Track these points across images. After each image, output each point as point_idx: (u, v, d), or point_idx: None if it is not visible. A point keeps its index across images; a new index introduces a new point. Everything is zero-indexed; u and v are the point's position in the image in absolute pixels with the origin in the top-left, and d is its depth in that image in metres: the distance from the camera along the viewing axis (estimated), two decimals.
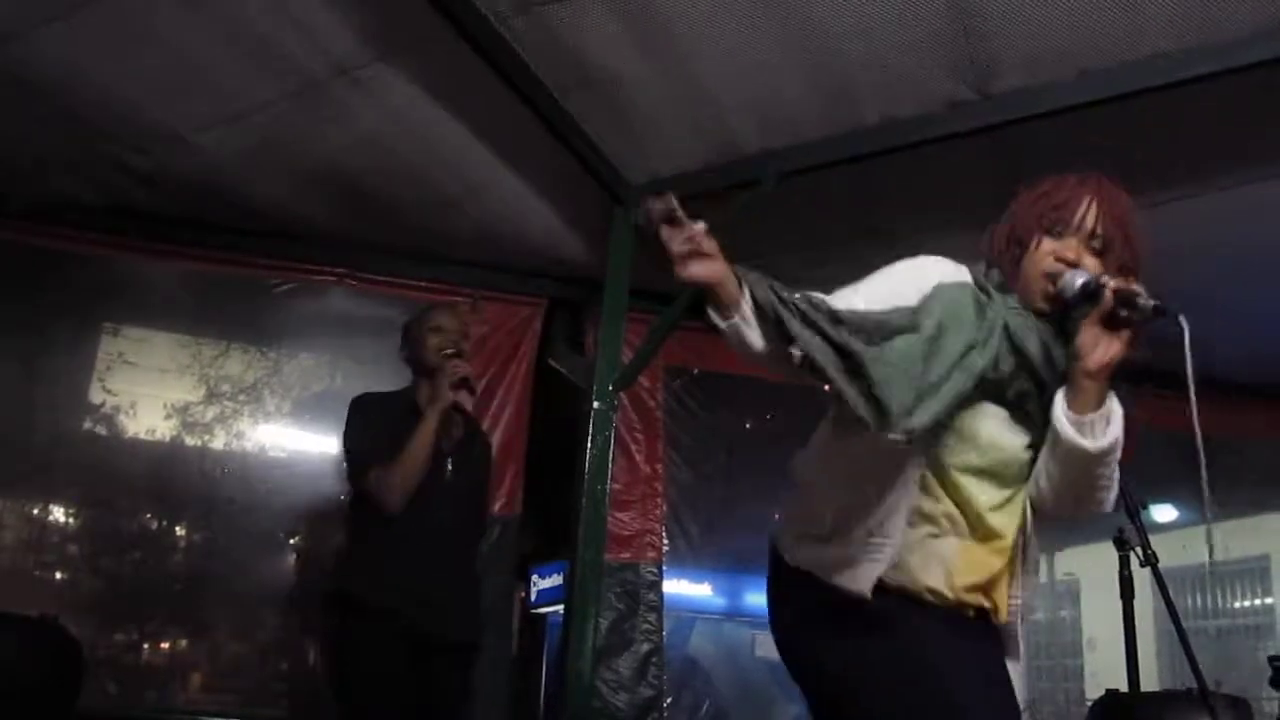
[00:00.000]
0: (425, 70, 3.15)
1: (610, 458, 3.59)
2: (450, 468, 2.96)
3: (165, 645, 5.47)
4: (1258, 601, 10.08)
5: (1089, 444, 1.53)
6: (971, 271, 1.68)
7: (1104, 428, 1.53)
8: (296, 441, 5.38)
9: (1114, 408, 1.55)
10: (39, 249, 4.17)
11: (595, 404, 3.59)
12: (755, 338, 1.49)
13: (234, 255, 4.27)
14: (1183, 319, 1.47)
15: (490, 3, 2.77)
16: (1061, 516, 1.68)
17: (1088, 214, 1.59)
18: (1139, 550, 3.04)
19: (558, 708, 3.42)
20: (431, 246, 4.28)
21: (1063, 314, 1.57)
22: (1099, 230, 1.58)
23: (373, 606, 2.81)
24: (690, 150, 3.45)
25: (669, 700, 5.03)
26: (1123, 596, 3.40)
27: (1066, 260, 1.57)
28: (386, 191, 3.87)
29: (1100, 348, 1.50)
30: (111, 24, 2.98)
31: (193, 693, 5.32)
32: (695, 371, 4.64)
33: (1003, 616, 1.66)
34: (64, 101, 3.37)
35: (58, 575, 5.27)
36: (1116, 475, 1.61)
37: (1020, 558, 1.68)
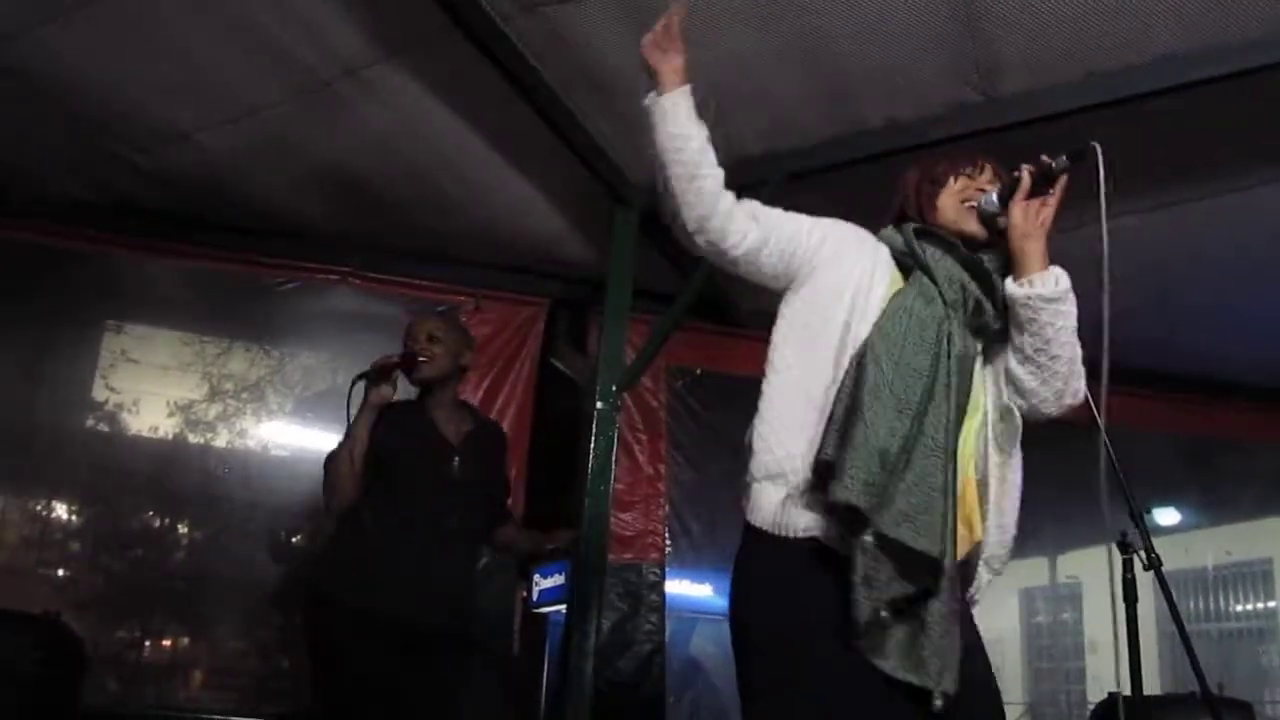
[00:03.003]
0: (429, 70, 3.15)
1: (613, 458, 3.58)
2: (458, 462, 2.95)
3: (167, 643, 5.48)
4: (1260, 605, 10.07)
5: (1041, 290, 1.67)
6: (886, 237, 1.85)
7: (1053, 282, 1.68)
8: (299, 440, 5.38)
9: (1058, 270, 1.70)
10: (41, 247, 4.17)
11: (598, 404, 3.58)
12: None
13: (237, 254, 4.27)
14: (1095, 145, 1.65)
15: (495, 2, 2.77)
16: (1043, 404, 1.75)
17: (986, 166, 1.85)
18: (1142, 553, 3.03)
19: (559, 708, 3.41)
20: (435, 246, 4.27)
21: (992, 228, 1.77)
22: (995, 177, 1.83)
23: (352, 605, 2.79)
24: None
25: (670, 700, 5.02)
26: (1125, 599, 3.38)
27: (980, 188, 1.80)
28: (390, 191, 3.87)
29: (1031, 213, 1.70)
30: (114, 22, 2.98)
31: (194, 690, 5.33)
32: (698, 371, 4.64)
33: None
34: (67, 100, 3.37)
35: (60, 573, 5.28)
36: (1076, 344, 1.72)
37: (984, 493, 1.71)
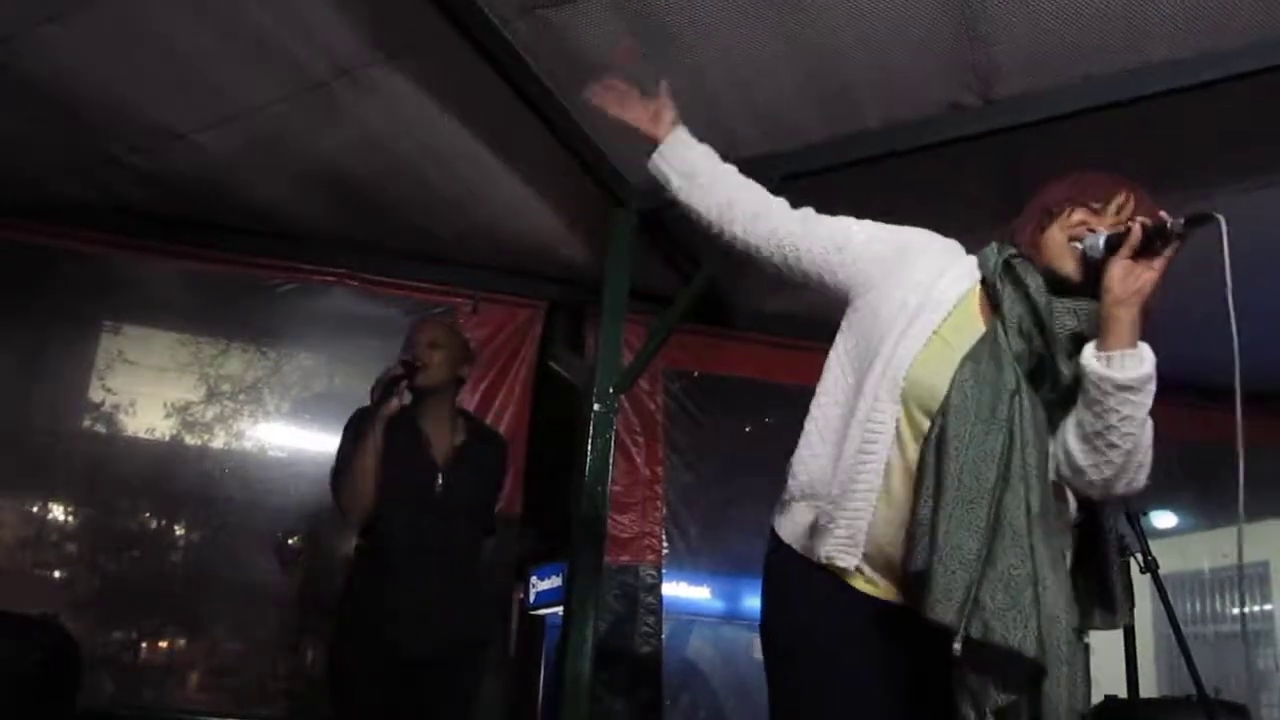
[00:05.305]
0: (426, 71, 3.15)
1: (610, 460, 3.58)
2: (441, 482, 2.94)
3: (164, 644, 5.48)
4: (1257, 608, 10.07)
5: (1116, 374, 1.49)
6: (985, 255, 1.68)
7: (1135, 364, 1.50)
8: (296, 441, 5.39)
9: (1146, 351, 1.52)
10: (38, 247, 4.16)
11: (595, 406, 3.58)
12: None
13: (234, 255, 4.26)
14: (1219, 216, 1.51)
15: (493, 4, 2.77)
16: (1089, 487, 1.61)
17: (1126, 203, 1.61)
18: (1139, 556, 3.04)
19: (556, 710, 3.41)
20: (432, 247, 4.27)
21: (1093, 273, 1.56)
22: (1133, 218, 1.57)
23: (358, 630, 2.80)
24: None
25: (667, 703, 5.02)
26: None
27: (1092, 227, 1.58)
28: (387, 192, 3.86)
29: (1130, 277, 1.51)
30: (110, 23, 2.97)
31: (191, 691, 5.33)
32: (695, 374, 4.63)
33: None
34: (63, 100, 3.36)
35: (57, 574, 5.27)
36: (1148, 438, 1.56)
37: None
